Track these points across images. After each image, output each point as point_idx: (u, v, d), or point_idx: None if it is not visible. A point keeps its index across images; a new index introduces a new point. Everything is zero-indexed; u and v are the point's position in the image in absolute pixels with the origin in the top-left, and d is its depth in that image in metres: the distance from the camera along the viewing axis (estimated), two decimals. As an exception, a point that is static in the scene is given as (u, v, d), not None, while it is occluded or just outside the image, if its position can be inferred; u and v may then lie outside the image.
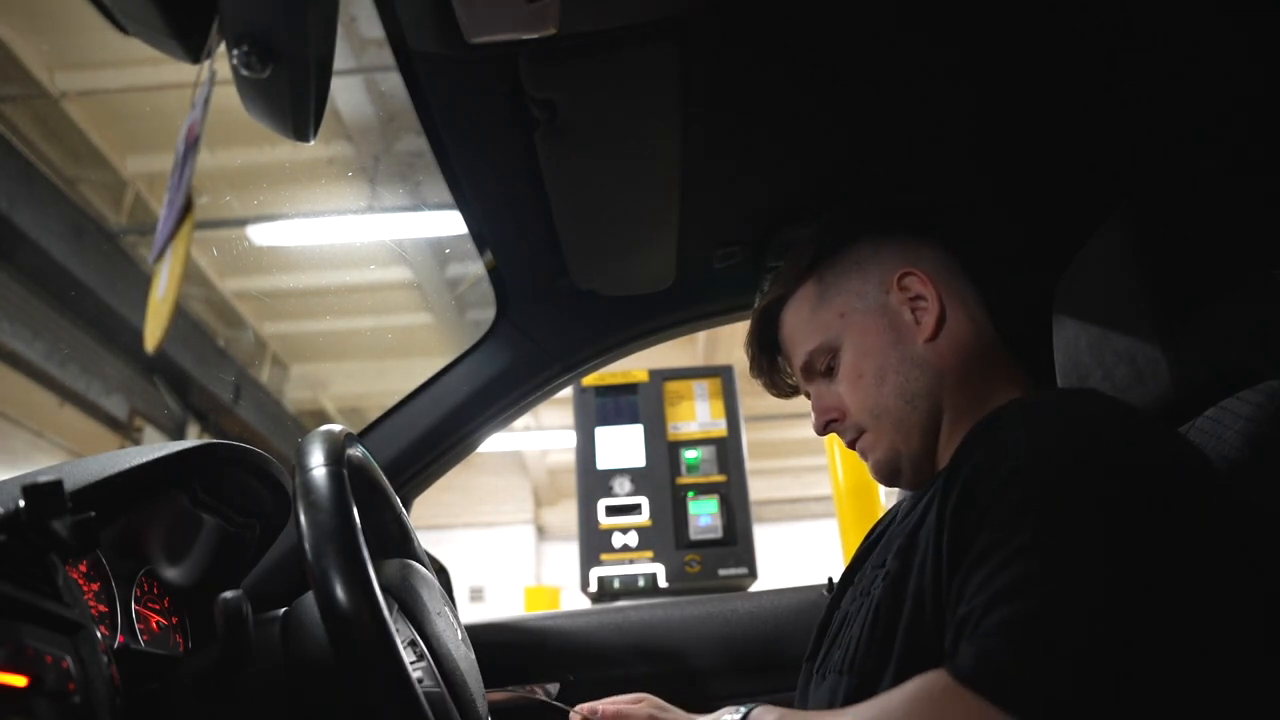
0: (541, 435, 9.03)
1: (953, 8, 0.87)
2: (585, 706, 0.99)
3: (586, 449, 2.60)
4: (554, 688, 1.35)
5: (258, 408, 6.83)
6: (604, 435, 2.61)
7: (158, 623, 0.98)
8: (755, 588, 2.41)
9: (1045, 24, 0.89)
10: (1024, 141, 1.06)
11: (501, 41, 0.80)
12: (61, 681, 0.57)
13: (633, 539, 2.49)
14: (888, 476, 0.89)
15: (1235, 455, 0.73)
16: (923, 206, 1.01)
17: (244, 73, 0.57)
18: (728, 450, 2.58)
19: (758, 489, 2.87)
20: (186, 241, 0.53)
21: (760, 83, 0.95)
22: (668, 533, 2.49)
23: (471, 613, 2.42)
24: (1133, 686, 0.53)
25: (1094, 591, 0.56)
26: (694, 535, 2.48)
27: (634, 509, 2.52)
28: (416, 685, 0.63)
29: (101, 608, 0.88)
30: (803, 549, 8.24)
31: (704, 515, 2.50)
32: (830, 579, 1.45)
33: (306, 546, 0.65)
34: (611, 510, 2.52)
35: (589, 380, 2.62)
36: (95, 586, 0.88)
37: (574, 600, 6.15)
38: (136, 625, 0.93)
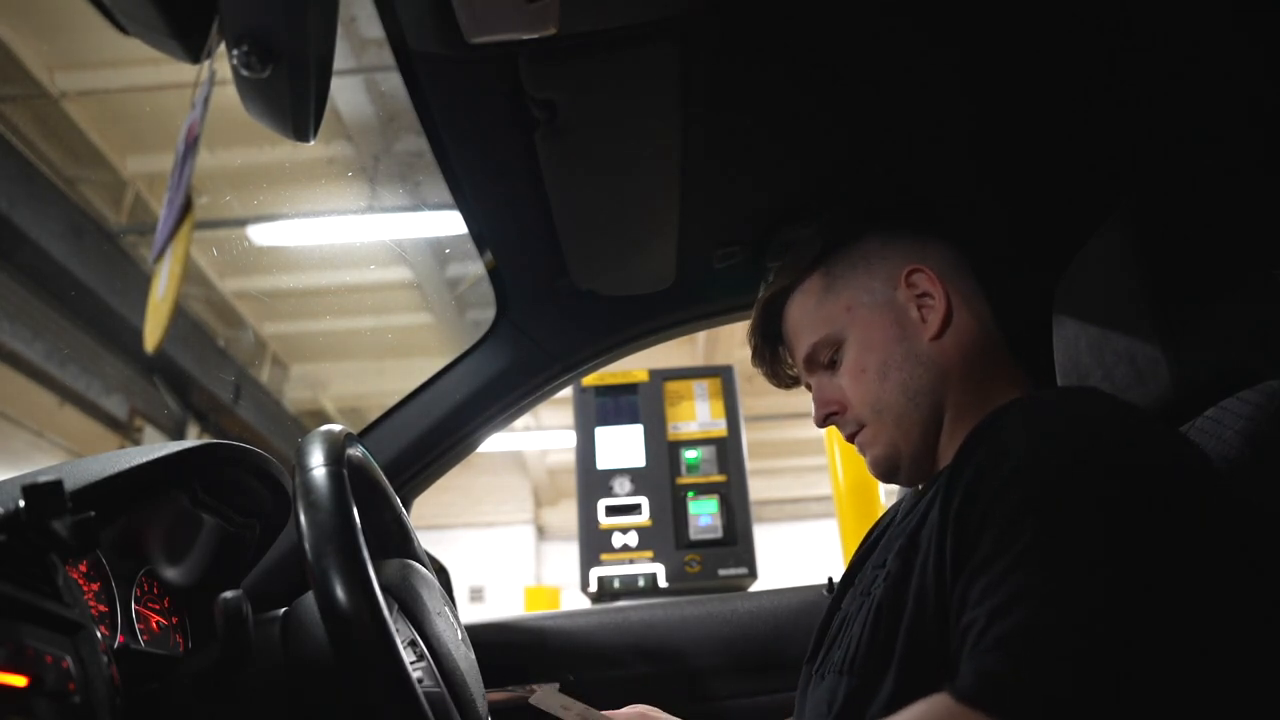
0: (541, 435, 9.03)
1: (953, 8, 0.87)
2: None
3: (586, 449, 2.60)
4: (553, 688, 1.35)
5: (258, 408, 6.83)
6: (604, 435, 2.61)
7: (158, 623, 0.98)
8: (755, 588, 2.41)
9: (1045, 24, 0.89)
10: (1024, 141, 1.06)
11: (501, 41, 0.80)
12: (61, 681, 0.57)
13: (633, 539, 2.49)
14: (886, 472, 0.89)
15: (1235, 455, 0.73)
16: (932, 204, 1.01)
17: (244, 73, 0.57)
18: (728, 450, 2.58)
19: (758, 489, 2.87)
20: (186, 241, 0.53)
21: (760, 83, 0.95)
22: (668, 533, 2.49)
23: (471, 613, 2.42)
24: (1133, 686, 0.53)
25: (1093, 592, 0.56)
26: (694, 535, 2.48)
27: (634, 509, 2.52)
28: (416, 685, 0.63)
29: (101, 608, 0.88)
30: (803, 549, 8.24)
31: (704, 515, 2.50)
32: (830, 579, 1.45)
33: (306, 546, 0.65)
34: (611, 510, 2.52)
35: (589, 380, 2.62)
36: (95, 586, 0.88)
37: (574, 600, 6.15)
38: (136, 625, 0.93)
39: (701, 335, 6.53)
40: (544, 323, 1.34)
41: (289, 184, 4.93)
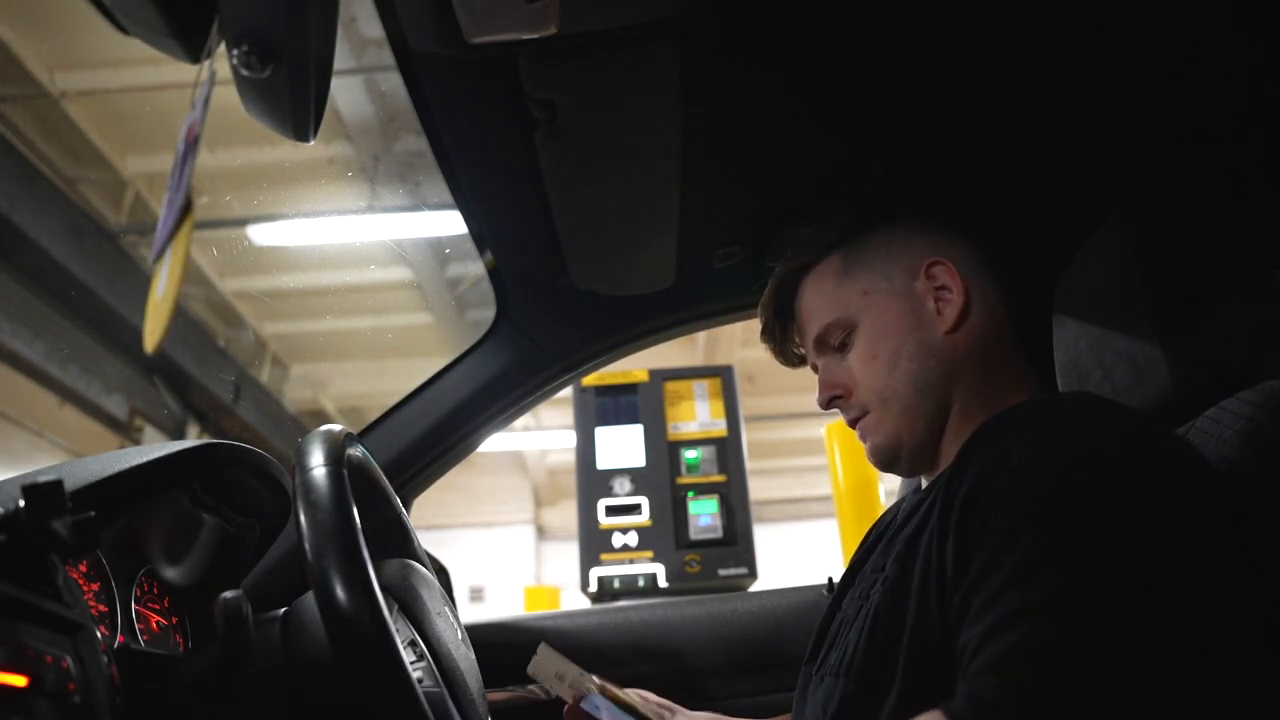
0: (541, 435, 9.03)
1: (953, 8, 0.87)
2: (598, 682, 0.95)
3: (586, 449, 2.60)
4: (549, 649, 1.34)
5: (258, 408, 6.83)
6: (604, 435, 2.61)
7: (158, 623, 0.98)
8: (755, 588, 2.41)
9: (1045, 24, 0.89)
10: (1024, 141, 1.06)
11: (501, 41, 0.80)
12: (61, 681, 0.57)
13: (633, 539, 2.49)
14: (885, 461, 0.89)
15: (1235, 455, 0.73)
16: (956, 201, 1.00)
17: (244, 73, 0.57)
18: (728, 450, 2.58)
19: (758, 489, 2.87)
20: (186, 241, 0.53)
21: (760, 82, 0.95)
22: (668, 533, 2.49)
23: (471, 613, 2.42)
24: (1133, 686, 0.54)
25: (1089, 606, 0.56)
26: (694, 535, 2.48)
27: (634, 509, 2.52)
28: (416, 685, 0.63)
29: (101, 608, 0.88)
30: (803, 549, 8.24)
31: (704, 515, 2.50)
32: (830, 579, 1.45)
33: (306, 546, 0.65)
34: (611, 510, 2.53)
35: (589, 380, 2.62)
36: (95, 586, 0.88)
37: (574, 600, 6.14)
38: (136, 625, 0.93)
39: (701, 335, 6.53)
40: (544, 323, 1.34)
41: (289, 184, 4.93)
